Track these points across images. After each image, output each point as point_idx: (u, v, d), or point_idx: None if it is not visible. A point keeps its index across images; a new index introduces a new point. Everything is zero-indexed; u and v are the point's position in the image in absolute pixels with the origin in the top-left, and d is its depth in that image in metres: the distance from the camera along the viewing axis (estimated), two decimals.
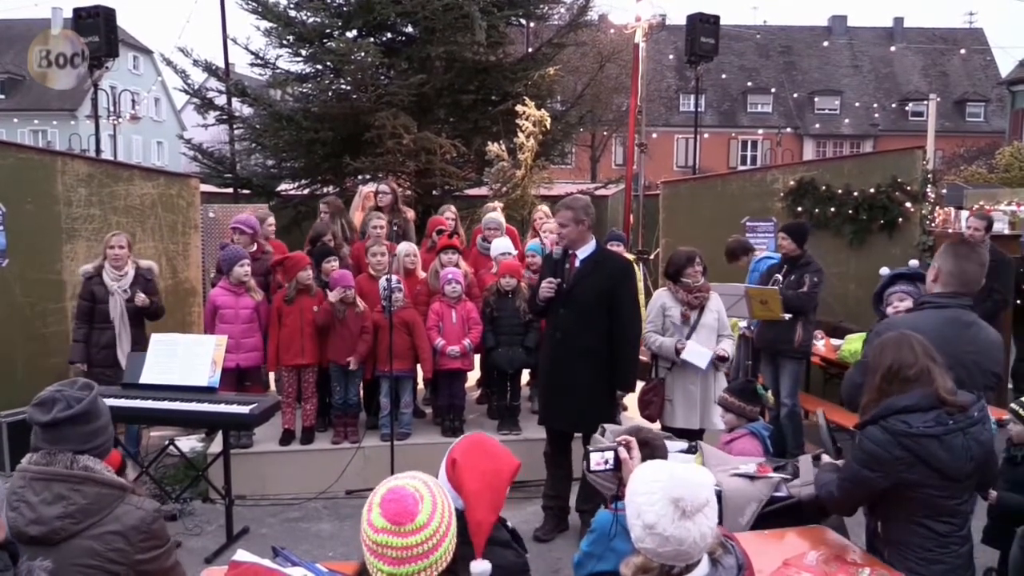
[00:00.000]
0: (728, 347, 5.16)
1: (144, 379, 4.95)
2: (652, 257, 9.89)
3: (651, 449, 2.89)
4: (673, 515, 1.93)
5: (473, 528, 2.24)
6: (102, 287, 5.68)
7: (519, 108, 9.24)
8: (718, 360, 5.06)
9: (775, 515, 3.43)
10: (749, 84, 44.64)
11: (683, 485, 1.95)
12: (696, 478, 1.99)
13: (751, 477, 3.57)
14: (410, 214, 7.74)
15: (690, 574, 1.97)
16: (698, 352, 4.99)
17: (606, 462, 2.63)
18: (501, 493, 2.34)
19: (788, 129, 41.09)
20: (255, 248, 6.52)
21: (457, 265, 6.27)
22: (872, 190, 7.62)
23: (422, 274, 6.42)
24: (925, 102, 24.86)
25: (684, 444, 4.04)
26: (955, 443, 2.75)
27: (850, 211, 7.69)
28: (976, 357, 3.20)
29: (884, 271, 3.79)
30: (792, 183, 8.00)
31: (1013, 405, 4.03)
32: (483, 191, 10.24)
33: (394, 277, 5.78)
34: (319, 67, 11.17)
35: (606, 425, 4.14)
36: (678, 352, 5.00)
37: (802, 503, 3.46)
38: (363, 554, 1.89)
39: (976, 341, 3.24)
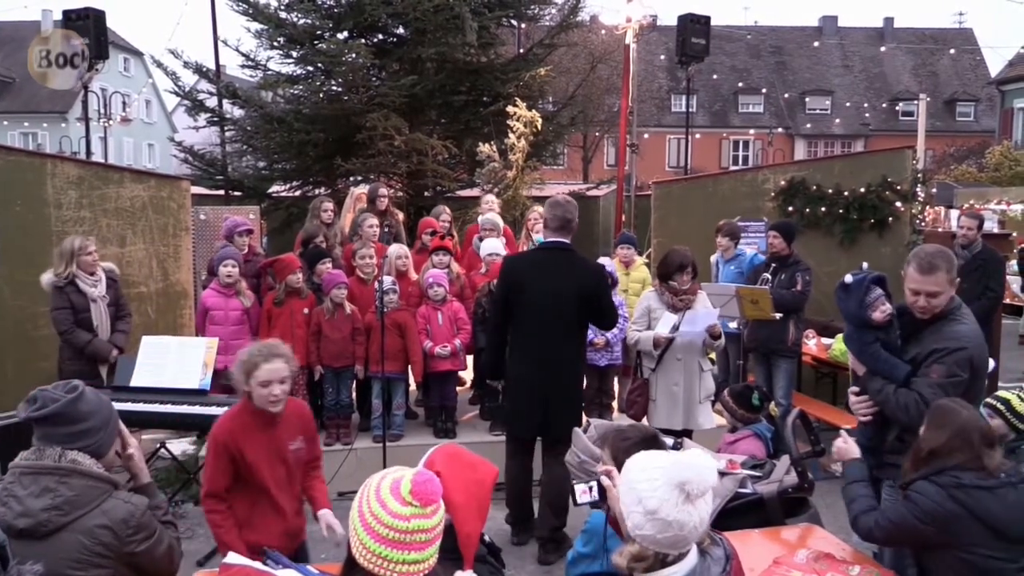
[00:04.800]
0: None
1: (135, 382, 4.93)
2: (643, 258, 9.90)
3: (658, 446, 2.89)
4: (677, 499, 1.92)
5: (463, 540, 2.24)
6: (80, 295, 5.47)
7: (510, 109, 9.26)
8: (710, 336, 5.04)
9: (738, 511, 3.45)
10: (740, 84, 44.72)
11: (689, 468, 1.95)
12: (701, 462, 1.99)
13: (721, 473, 3.58)
14: (400, 216, 7.75)
15: (679, 563, 1.97)
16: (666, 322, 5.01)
17: (591, 489, 2.58)
18: (486, 503, 2.34)
19: (779, 129, 41.19)
20: (246, 250, 6.53)
21: (448, 267, 6.28)
22: (863, 190, 7.65)
23: (414, 276, 6.42)
24: (915, 102, 24.96)
25: (671, 441, 4.05)
26: (1009, 497, 2.72)
27: (841, 211, 7.72)
28: None
29: (848, 278, 3.77)
30: (783, 183, 8.02)
31: (990, 400, 4.02)
32: (475, 192, 10.26)
33: (389, 278, 5.79)
34: (310, 68, 11.17)
35: (592, 420, 4.13)
36: (656, 344, 4.99)
37: (764, 501, 3.48)
38: (373, 554, 1.84)
39: None
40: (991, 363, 4.24)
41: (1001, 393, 3.97)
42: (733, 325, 6.49)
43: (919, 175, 7.81)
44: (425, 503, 1.86)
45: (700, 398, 5.10)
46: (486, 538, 2.44)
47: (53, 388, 2.33)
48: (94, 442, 2.32)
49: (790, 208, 7.90)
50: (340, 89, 10.94)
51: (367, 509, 1.88)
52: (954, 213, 15.38)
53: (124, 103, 29.27)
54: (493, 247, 6.42)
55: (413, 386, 6.52)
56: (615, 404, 6.64)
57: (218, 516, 3.23)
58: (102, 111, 22.78)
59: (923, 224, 8.11)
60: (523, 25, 13.44)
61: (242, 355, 3.22)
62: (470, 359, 6.63)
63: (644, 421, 5.08)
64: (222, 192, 11.30)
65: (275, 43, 10.89)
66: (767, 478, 3.61)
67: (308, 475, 3.50)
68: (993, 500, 2.69)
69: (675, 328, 4.97)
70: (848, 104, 44.30)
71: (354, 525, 1.90)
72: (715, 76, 42.07)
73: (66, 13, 9.74)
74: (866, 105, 43.86)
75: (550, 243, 4.81)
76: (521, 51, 12.54)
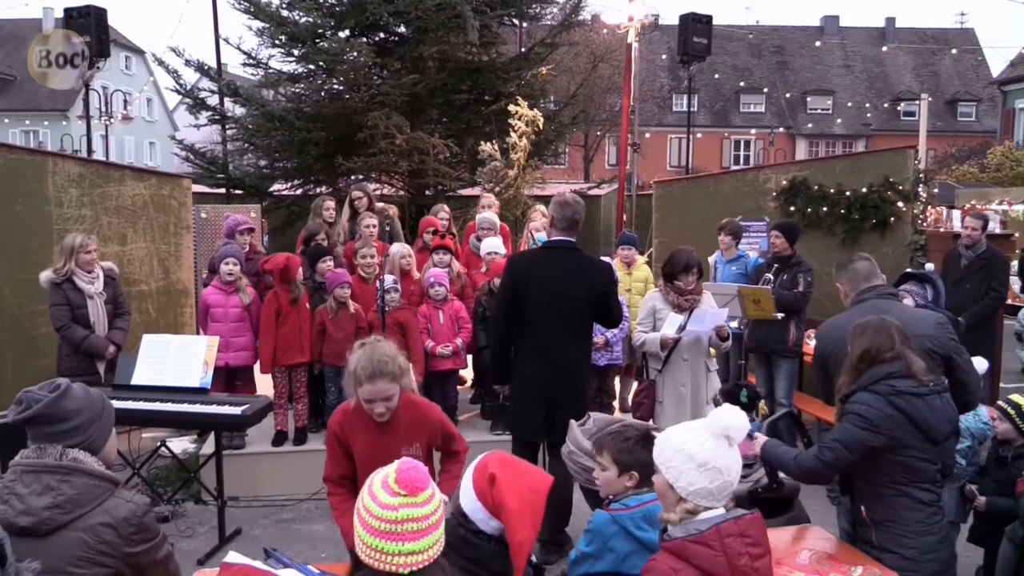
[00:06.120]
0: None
1: (136, 380, 4.92)
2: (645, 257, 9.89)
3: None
4: (723, 447, 2.22)
5: (514, 548, 2.20)
6: (77, 292, 5.48)
7: (512, 108, 9.24)
8: (718, 338, 5.01)
9: None
10: (742, 84, 44.70)
11: (726, 418, 2.23)
12: (735, 411, 2.26)
13: None
14: (392, 211, 7.70)
15: (710, 512, 2.21)
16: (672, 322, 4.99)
17: None
18: (540, 512, 2.29)
19: (781, 129, 41.18)
20: (247, 248, 6.53)
21: (450, 266, 6.27)
22: (864, 190, 7.63)
23: (417, 274, 6.40)
24: (917, 102, 24.90)
25: None
26: (936, 403, 3.01)
27: (842, 210, 7.70)
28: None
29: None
30: (785, 183, 8.00)
31: (1000, 403, 4.03)
32: (476, 191, 10.24)
33: (390, 277, 5.77)
34: (311, 67, 11.14)
35: (593, 414, 4.12)
36: (664, 346, 4.97)
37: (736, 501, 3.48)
38: (371, 548, 1.85)
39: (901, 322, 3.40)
40: (984, 363, 4.22)
41: (1013, 397, 3.97)
42: (734, 325, 6.48)
43: (920, 175, 7.78)
44: (412, 491, 1.86)
45: (707, 398, 5.07)
46: (533, 558, 2.40)
47: (39, 388, 2.32)
48: (84, 439, 2.31)
49: (791, 208, 7.89)
50: (341, 88, 10.92)
51: (361, 504, 1.90)
52: (956, 213, 15.35)
53: (125, 101, 29.31)
54: (493, 246, 6.41)
55: (414, 385, 6.51)
56: (615, 404, 6.64)
57: (335, 499, 3.38)
58: (103, 109, 22.80)
59: (925, 224, 8.08)
60: (525, 24, 13.42)
61: (350, 362, 3.13)
62: (471, 358, 6.62)
63: (651, 422, 5.07)
64: (223, 190, 11.28)
65: (276, 41, 10.88)
66: (747, 479, 3.59)
67: (444, 467, 3.44)
68: (924, 405, 2.98)
69: (681, 328, 4.95)
70: (849, 104, 44.28)
71: (354, 522, 1.91)
72: (716, 76, 42.07)
73: (67, 11, 9.73)
74: (867, 105, 43.79)
75: (557, 242, 4.72)
76: (523, 50, 12.51)
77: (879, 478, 3.03)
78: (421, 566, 1.85)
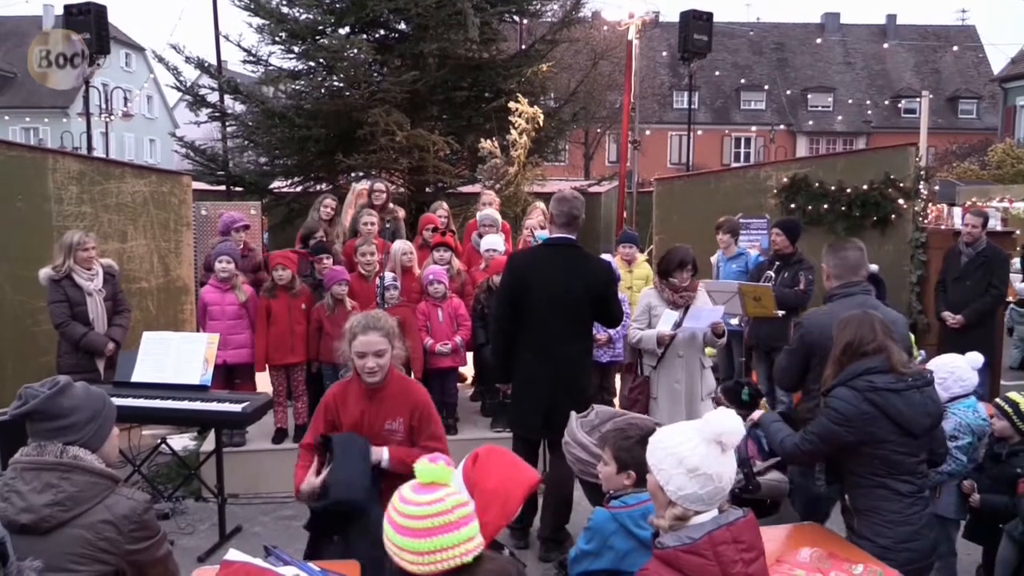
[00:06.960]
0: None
1: (136, 377, 4.92)
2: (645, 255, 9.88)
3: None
4: (716, 452, 2.13)
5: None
6: (76, 289, 5.46)
7: (512, 105, 9.24)
8: (713, 334, 5.01)
9: None
10: (742, 81, 44.66)
11: (719, 423, 2.14)
12: (727, 415, 2.18)
13: None
14: (400, 212, 7.72)
15: (702, 515, 2.15)
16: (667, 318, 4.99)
17: None
18: (513, 502, 2.30)
19: (781, 126, 41.11)
20: (242, 246, 6.53)
21: (450, 263, 6.26)
22: (865, 187, 7.63)
23: (419, 271, 6.40)
24: (918, 99, 24.88)
25: None
26: (914, 398, 3.05)
27: (843, 208, 7.70)
28: None
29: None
30: (785, 180, 8.00)
31: (998, 400, 4.03)
32: (476, 188, 10.24)
33: (390, 274, 5.77)
34: (312, 64, 11.14)
35: (596, 406, 4.11)
36: (660, 342, 4.96)
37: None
38: (433, 552, 1.83)
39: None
40: (980, 358, 4.21)
41: (1011, 395, 3.97)
42: (735, 322, 6.48)
43: (921, 172, 7.78)
44: (446, 468, 1.89)
45: (701, 395, 5.07)
46: (507, 551, 2.41)
47: (40, 385, 2.32)
48: (79, 437, 2.31)
49: (792, 205, 7.89)
50: (341, 85, 10.91)
51: (399, 515, 1.87)
52: (956, 211, 15.35)
53: (125, 98, 29.31)
54: (492, 243, 6.40)
55: (405, 356, 6.48)
56: (616, 401, 6.63)
57: (300, 461, 3.43)
58: (103, 106, 22.81)
59: (925, 222, 8.09)
60: (525, 21, 13.41)
61: (347, 325, 3.33)
62: (470, 355, 6.61)
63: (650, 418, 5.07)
64: (223, 187, 11.29)
65: (276, 38, 10.87)
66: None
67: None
68: (901, 401, 3.02)
69: (677, 324, 4.94)
70: (850, 101, 44.20)
71: (397, 547, 1.86)
72: (717, 73, 41.99)
73: (67, 8, 9.70)
74: (868, 102, 43.74)
75: (556, 239, 4.68)
76: (523, 47, 12.51)
77: (859, 469, 3.12)
78: (479, 550, 1.86)
